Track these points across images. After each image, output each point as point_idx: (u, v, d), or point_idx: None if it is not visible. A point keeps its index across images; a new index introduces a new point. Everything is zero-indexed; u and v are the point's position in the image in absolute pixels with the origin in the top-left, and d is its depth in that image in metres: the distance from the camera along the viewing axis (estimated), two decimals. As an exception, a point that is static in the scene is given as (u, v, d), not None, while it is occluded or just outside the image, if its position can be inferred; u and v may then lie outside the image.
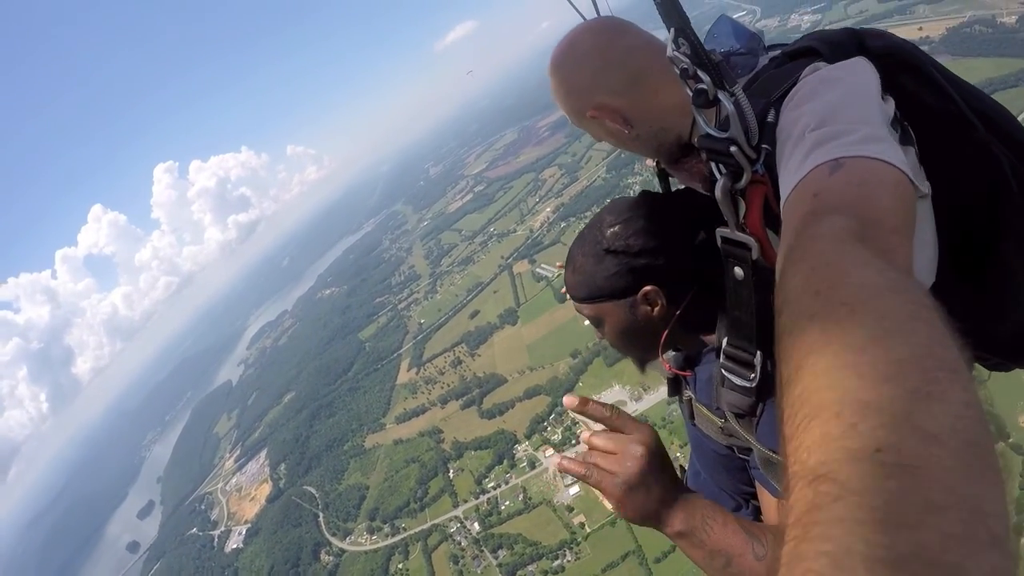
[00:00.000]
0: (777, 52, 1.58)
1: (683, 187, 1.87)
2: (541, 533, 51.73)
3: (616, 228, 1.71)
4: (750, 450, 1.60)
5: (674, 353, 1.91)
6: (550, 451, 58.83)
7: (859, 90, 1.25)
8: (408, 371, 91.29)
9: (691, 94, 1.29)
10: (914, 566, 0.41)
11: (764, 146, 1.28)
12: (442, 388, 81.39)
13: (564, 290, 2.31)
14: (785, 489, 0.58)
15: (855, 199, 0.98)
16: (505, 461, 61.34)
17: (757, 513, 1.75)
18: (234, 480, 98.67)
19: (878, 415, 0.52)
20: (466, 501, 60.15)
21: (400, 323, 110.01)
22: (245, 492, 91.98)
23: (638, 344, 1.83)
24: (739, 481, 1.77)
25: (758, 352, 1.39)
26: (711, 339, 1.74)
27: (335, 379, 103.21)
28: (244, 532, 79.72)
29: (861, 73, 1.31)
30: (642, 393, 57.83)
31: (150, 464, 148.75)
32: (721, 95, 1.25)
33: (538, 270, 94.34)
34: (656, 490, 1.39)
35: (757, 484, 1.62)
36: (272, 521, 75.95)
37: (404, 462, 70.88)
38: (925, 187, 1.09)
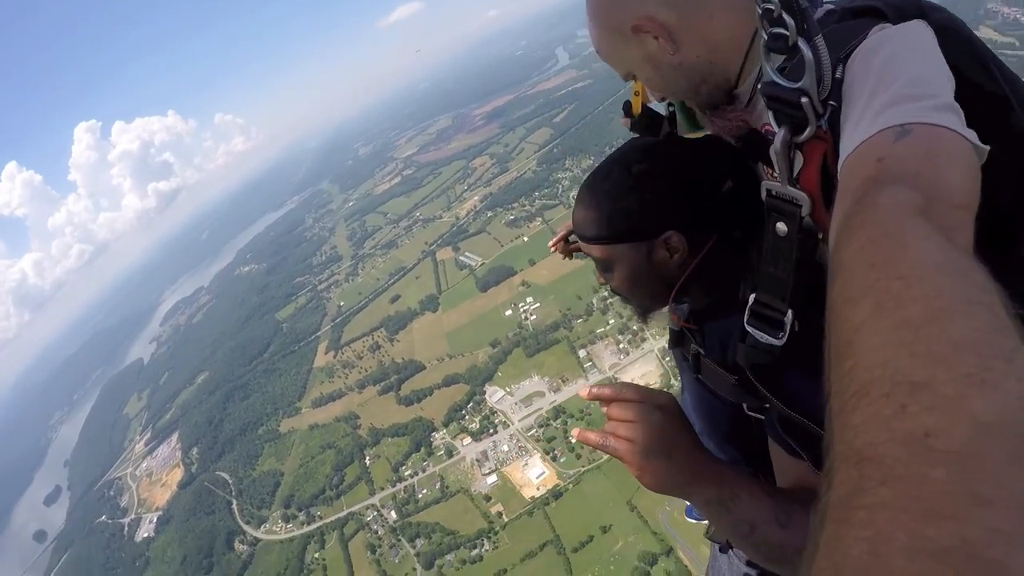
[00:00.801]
0: (832, 6, 1.46)
1: (705, 133, 1.84)
2: (459, 522, 52.37)
3: (643, 166, 1.63)
4: (763, 408, 1.57)
5: (679, 305, 1.90)
6: (468, 439, 59.86)
7: (930, 56, 1.19)
8: (326, 354, 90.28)
9: (766, 37, 1.21)
10: (955, 560, 0.40)
11: (831, 102, 1.20)
12: (360, 373, 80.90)
13: (553, 243, 2.48)
14: (828, 467, 0.56)
15: (921, 169, 0.93)
16: (423, 449, 61.71)
17: (756, 469, 1.76)
18: (144, 464, 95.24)
19: (929, 398, 0.50)
20: (383, 489, 60.24)
21: (319, 305, 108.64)
22: (156, 477, 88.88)
23: (647, 291, 1.77)
24: (742, 436, 1.76)
25: (790, 311, 1.33)
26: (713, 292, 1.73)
27: (250, 360, 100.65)
28: (155, 520, 77.11)
29: (930, 39, 1.23)
30: (560, 384, 59.41)
31: (57, 446, 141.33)
32: (801, 43, 1.16)
33: (462, 258, 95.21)
34: (677, 457, 1.37)
35: (771, 442, 1.57)
36: (184, 508, 73.72)
37: (320, 448, 70.33)
38: (984, 150, 1.03)
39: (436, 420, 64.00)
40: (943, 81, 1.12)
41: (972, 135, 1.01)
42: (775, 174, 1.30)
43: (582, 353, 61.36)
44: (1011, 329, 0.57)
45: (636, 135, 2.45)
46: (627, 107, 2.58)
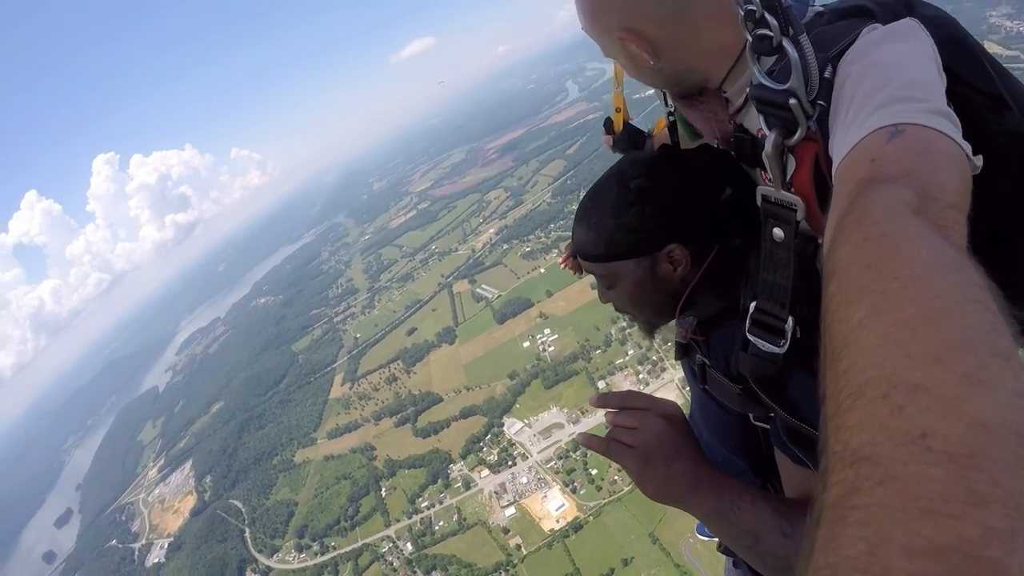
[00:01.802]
0: (822, 8, 1.49)
1: (701, 143, 1.86)
2: (476, 555, 51.67)
3: (641, 180, 1.62)
4: (768, 417, 1.56)
5: (685, 318, 1.90)
6: (485, 472, 59.24)
7: (923, 57, 1.18)
8: (342, 386, 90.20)
9: (750, 39, 1.21)
10: (953, 559, 0.40)
11: (820, 102, 1.20)
12: (376, 404, 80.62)
13: (562, 261, 2.49)
14: (823, 468, 0.55)
15: (913, 169, 0.92)
16: (439, 480, 61.17)
17: (765, 480, 1.77)
18: (157, 491, 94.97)
19: (926, 398, 0.50)
20: (398, 520, 59.61)
21: (335, 336, 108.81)
22: (168, 504, 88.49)
23: (652, 306, 1.77)
24: (750, 447, 1.75)
25: (790, 318, 1.33)
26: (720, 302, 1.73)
27: (266, 391, 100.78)
28: (166, 546, 76.75)
29: (924, 39, 1.23)
30: (579, 416, 58.88)
31: (70, 469, 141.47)
32: (786, 43, 1.16)
33: (478, 290, 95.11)
34: (678, 465, 1.38)
35: (776, 452, 1.56)
36: (196, 536, 73.25)
37: (335, 478, 69.87)
38: (978, 164, 1.03)
39: (454, 452, 63.43)
40: (936, 84, 1.12)
41: (967, 146, 1.01)
42: (770, 178, 1.30)
43: (601, 384, 60.68)
44: (1007, 328, 0.57)
45: (620, 152, 2.54)
46: (608, 124, 2.74)
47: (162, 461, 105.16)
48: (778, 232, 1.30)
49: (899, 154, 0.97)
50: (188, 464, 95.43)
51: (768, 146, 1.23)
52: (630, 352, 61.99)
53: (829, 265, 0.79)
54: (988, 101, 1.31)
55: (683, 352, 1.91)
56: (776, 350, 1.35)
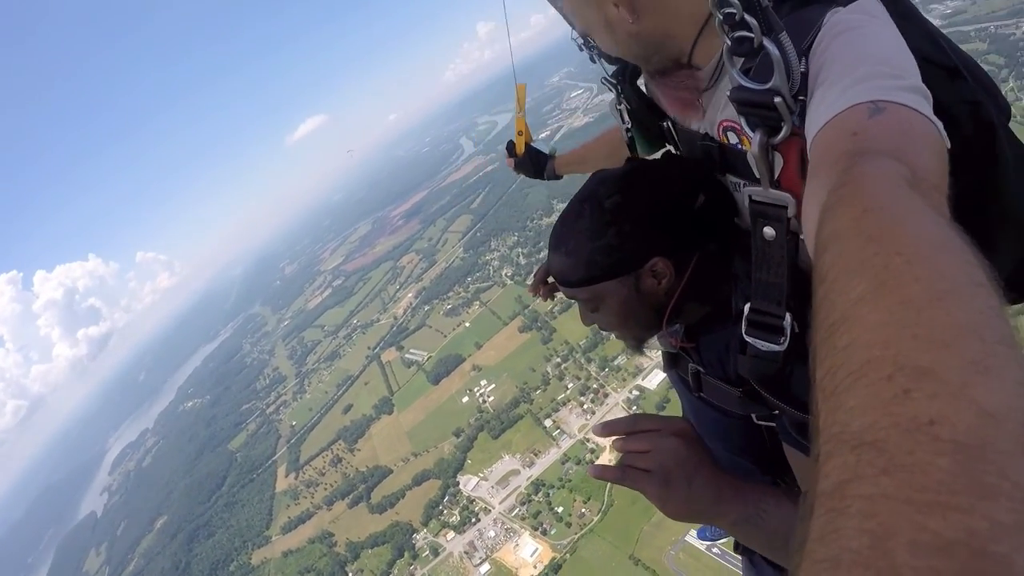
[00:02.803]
0: None
1: (667, 151, 1.89)
2: (462, 620, 50.16)
3: (615, 198, 1.61)
4: (773, 416, 1.56)
5: (675, 326, 1.87)
6: (451, 534, 57.89)
7: (892, 34, 1.18)
8: (286, 477, 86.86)
9: (729, 43, 1.21)
10: (961, 554, 0.38)
11: (801, 98, 1.18)
12: (325, 489, 78.10)
13: (531, 289, 2.37)
14: (818, 450, 0.53)
15: (898, 147, 0.90)
16: (406, 553, 59.19)
17: (773, 478, 1.76)
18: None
19: (934, 384, 0.48)
20: (373, 604, 57.23)
21: (271, 428, 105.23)
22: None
23: (639, 322, 1.75)
24: (754, 448, 1.75)
25: (787, 315, 1.32)
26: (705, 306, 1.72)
27: (209, 496, 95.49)
28: None
29: (885, 17, 1.24)
30: (533, 458, 58.64)
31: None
32: (767, 43, 1.15)
33: (407, 356, 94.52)
34: (697, 480, 1.37)
35: (786, 448, 1.54)
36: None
37: (298, 573, 66.36)
38: (947, 143, 1.01)
39: (414, 521, 61.78)
40: (909, 60, 1.12)
41: (939, 124, 0.99)
42: (744, 184, 1.30)
43: (548, 423, 61.06)
44: (1007, 312, 0.55)
45: (522, 174, 2.90)
46: (511, 147, 2.99)
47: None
48: (769, 231, 1.29)
49: (882, 131, 0.95)
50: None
51: (754, 147, 1.22)
52: (569, 386, 62.80)
53: (823, 236, 0.77)
54: (944, 72, 1.30)
55: (673, 363, 1.94)
56: (777, 348, 1.34)
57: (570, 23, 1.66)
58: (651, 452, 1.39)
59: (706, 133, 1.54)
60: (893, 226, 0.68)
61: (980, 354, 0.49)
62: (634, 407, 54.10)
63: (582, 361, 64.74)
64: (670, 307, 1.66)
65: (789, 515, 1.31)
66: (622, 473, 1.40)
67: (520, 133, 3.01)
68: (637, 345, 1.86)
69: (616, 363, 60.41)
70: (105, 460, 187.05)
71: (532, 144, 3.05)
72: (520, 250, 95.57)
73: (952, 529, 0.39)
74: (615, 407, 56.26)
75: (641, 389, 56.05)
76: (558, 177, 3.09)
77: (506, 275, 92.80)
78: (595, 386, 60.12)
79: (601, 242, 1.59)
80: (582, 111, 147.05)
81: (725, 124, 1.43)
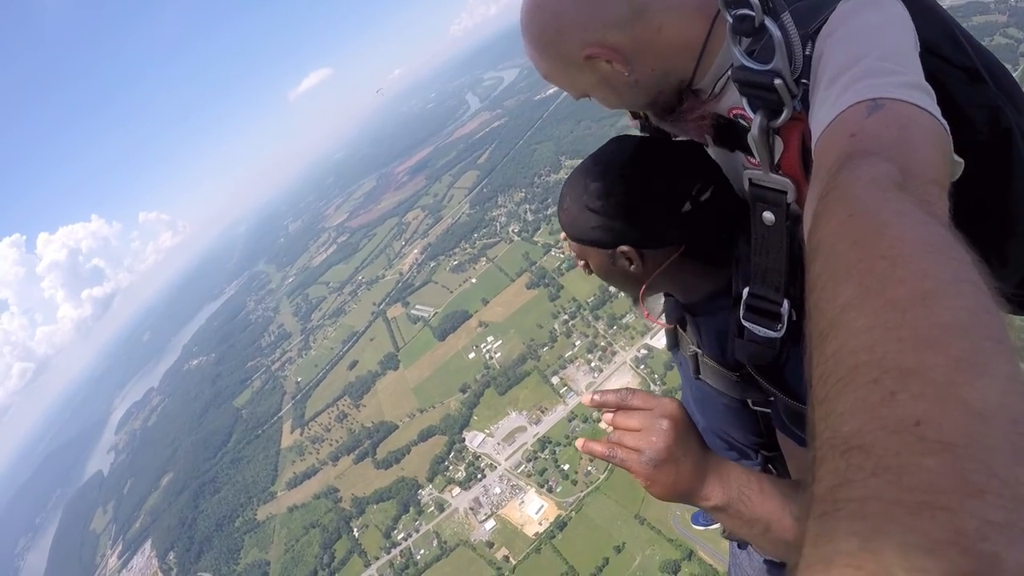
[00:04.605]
0: None
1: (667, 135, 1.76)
2: (465, 575, 50.52)
3: (596, 184, 1.61)
4: (768, 402, 1.53)
5: (668, 299, 1.87)
6: (456, 490, 58.12)
7: (899, 27, 1.16)
8: (292, 433, 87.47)
9: (731, 20, 1.19)
10: (950, 553, 0.39)
11: (804, 81, 1.18)
12: (331, 445, 78.56)
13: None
14: (812, 457, 0.54)
15: (894, 144, 0.91)
16: (411, 509, 59.64)
17: (766, 462, 1.73)
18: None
19: (919, 384, 0.49)
20: (377, 559, 57.72)
21: (276, 385, 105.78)
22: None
23: (623, 287, 1.77)
24: (749, 432, 1.72)
25: (785, 301, 1.31)
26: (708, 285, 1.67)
27: (215, 453, 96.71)
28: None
29: (899, 10, 1.19)
30: (540, 415, 58.42)
31: (26, 575, 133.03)
32: (768, 22, 1.14)
33: (413, 312, 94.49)
34: (686, 463, 1.35)
35: (779, 435, 1.53)
36: (168, 618, 69.27)
37: (303, 529, 67.17)
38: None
39: (420, 477, 62.09)
40: (913, 57, 1.10)
41: (939, 113, 0.99)
42: (755, 161, 1.28)
43: (555, 380, 60.80)
44: (996, 307, 0.56)
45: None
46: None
47: (120, 546, 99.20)
48: (768, 216, 1.29)
49: (880, 129, 0.95)
50: (148, 544, 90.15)
51: (754, 129, 1.21)
52: (577, 343, 62.30)
53: (813, 243, 0.78)
54: (963, 74, 1.28)
55: (675, 342, 1.91)
56: (773, 334, 1.34)
57: (567, 91, 1.64)
58: (642, 432, 1.38)
59: (716, 112, 1.51)
60: (878, 229, 0.68)
61: (966, 351, 0.50)
62: (642, 366, 53.57)
63: (590, 318, 64.11)
64: (641, 291, 1.69)
65: (772, 503, 1.32)
66: (611, 450, 1.39)
67: None
68: (632, 300, 1.86)
69: (624, 321, 59.73)
70: (111, 420, 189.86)
71: None
72: (527, 206, 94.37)
73: (941, 529, 0.40)
74: (623, 365, 55.79)
75: (650, 348, 55.28)
76: None
77: (513, 231, 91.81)
78: (603, 344, 59.51)
79: (582, 217, 1.65)
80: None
81: (735, 112, 1.42)
